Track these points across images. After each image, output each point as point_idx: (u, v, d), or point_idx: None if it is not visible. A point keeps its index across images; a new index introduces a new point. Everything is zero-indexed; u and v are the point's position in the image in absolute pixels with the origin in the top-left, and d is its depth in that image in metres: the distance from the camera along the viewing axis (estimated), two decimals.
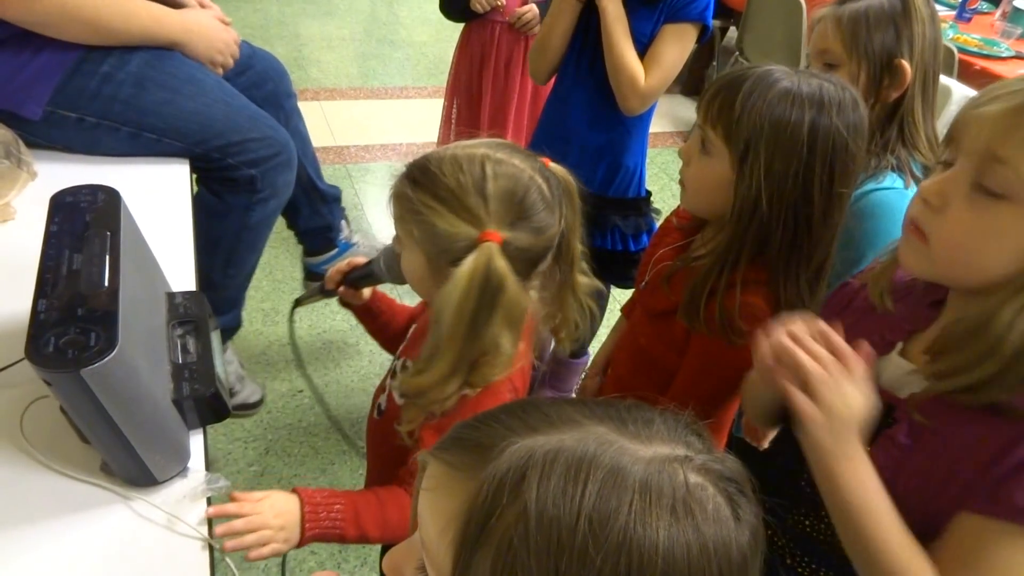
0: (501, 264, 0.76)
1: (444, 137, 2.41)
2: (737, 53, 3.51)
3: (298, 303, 1.15)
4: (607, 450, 0.37)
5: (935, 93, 1.15)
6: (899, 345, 0.75)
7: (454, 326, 0.77)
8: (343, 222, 2.03)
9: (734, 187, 0.89)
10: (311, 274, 2.11)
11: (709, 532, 0.36)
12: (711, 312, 0.93)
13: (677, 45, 1.40)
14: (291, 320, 1.23)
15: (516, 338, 0.81)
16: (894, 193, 1.09)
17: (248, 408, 1.88)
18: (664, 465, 0.37)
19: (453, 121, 2.29)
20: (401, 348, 1.04)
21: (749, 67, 0.91)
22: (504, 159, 0.81)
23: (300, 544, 0.82)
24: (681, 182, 0.99)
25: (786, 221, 0.89)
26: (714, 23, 4.41)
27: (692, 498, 0.36)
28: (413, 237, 0.82)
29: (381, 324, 1.12)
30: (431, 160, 0.81)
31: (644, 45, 1.40)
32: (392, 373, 1.00)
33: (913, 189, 1.10)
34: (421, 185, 0.80)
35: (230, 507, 0.80)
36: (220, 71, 1.40)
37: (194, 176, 1.41)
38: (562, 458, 0.37)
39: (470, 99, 2.20)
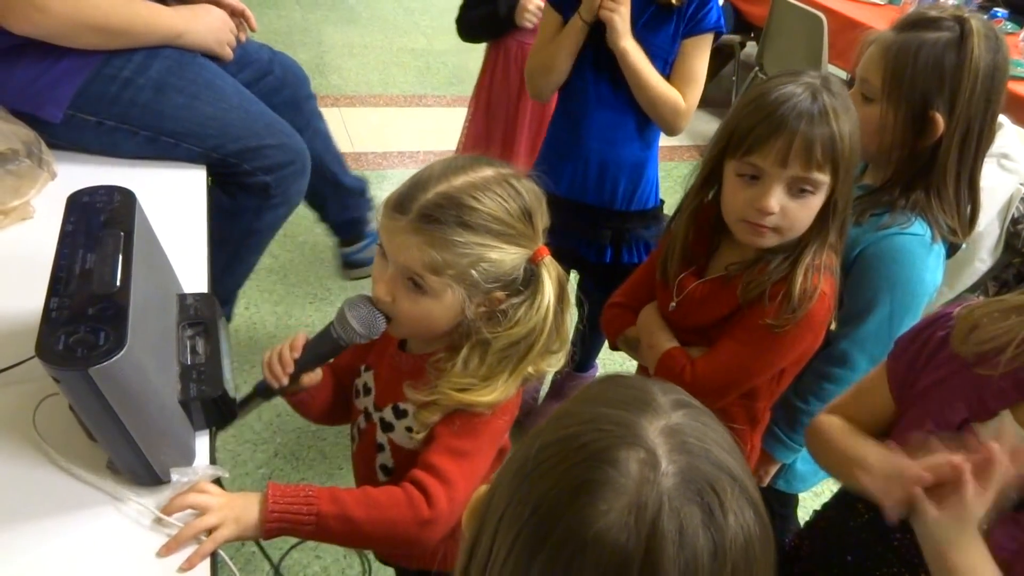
0: (561, 270, 0.85)
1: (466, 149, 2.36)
2: (756, 68, 3.50)
3: (240, 409, 0.91)
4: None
5: (980, 151, 1.07)
6: (1006, 414, 0.72)
7: (545, 343, 0.83)
8: (370, 213, 2.12)
9: (833, 197, 0.97)
10: (348, 262, 2.28)
11: None
12: (788, 289, 0.98)
13: (702, 57, 1.42)
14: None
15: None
16: (916, 241, 1.05)
17: None
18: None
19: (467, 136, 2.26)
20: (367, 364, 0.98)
21: (786, 102, 0.92)
22: (510, 171, 0.82)
23: (265, 533, 0.76)
24: (761, 228, 0.98)
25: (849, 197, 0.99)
26: (732, 38, 4.39)
27: None
28: (461, 280, 0.80)
29: (322, 396, 1.00)
30: (458, 197, 0.78)
31: (663, 60, 1.39)
32: (355, 393, 0.96)
33: (940, 247, 1.07)
34: (470, 226, 0.78)
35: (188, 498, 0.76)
36: (229, 51, 1.42)
37: (210, 177, 1.43)
38: None
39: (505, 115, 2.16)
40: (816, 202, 0.96)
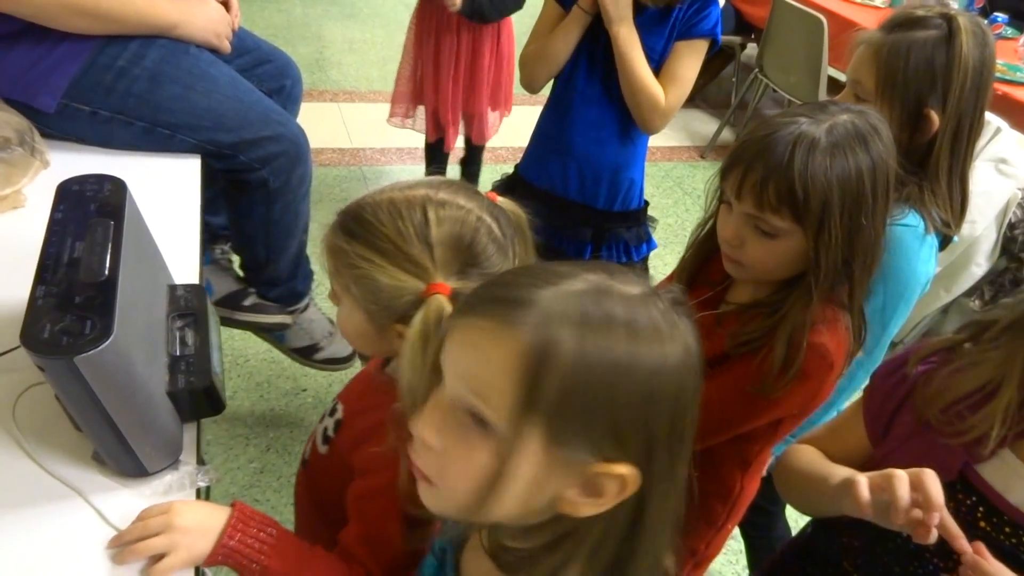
0: (445, 313, 0.71)
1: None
2: (757, 70, 3.50)
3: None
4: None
5: (971, 144, 1.07)
6: (1006, 452, 0.70)
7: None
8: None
9: (814, 252, 0.87)
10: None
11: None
12: (770, 352, 0.91)
13: (692, 61, 1.40)
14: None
15: None
16: (909, 232, 1.05)
17: (337, 362, 1.81)
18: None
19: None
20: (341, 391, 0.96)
21: (771, 133, 0.85)
22: (447, 199, 0.74)
23: (209, 560, 0.72)
24: (729, 257, 0.95)
25: (865, 261, 0.89)
26: (733, 39, 4.38)
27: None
28: (351, 293, 0.76)
29: None
30: (365, 207, 0.75)
31: (656, 62, 1.40)
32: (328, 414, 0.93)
33: (933, 238, 1.07)
34: (357, 236, 0.73)
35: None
36: (227, 44, 1.41)
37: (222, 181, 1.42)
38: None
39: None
40: (780, 248, 0.88)
